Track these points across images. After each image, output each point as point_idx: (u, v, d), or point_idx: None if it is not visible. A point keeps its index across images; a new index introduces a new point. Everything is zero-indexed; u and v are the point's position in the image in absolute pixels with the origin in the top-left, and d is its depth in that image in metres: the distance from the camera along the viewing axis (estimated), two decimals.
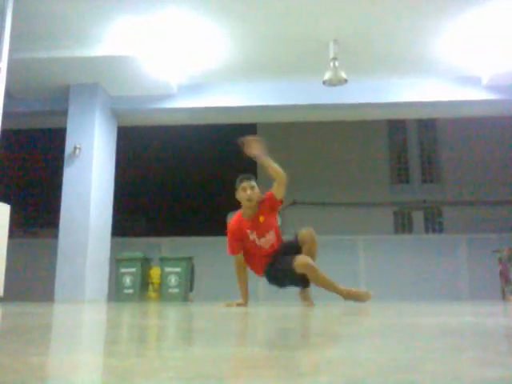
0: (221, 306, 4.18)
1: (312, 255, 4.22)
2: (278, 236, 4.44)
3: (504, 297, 7.41)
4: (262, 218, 4.34)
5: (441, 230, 17.80)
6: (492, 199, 17.01)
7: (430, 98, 7.66)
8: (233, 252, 4.40)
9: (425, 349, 1.15)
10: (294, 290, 4.58)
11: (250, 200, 4.30)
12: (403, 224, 18.24)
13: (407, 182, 18.80)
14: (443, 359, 0.95)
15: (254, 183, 4.38)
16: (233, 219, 4.47)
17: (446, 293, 8.66)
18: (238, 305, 4.31)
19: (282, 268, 4.22)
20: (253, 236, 4.32)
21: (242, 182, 4.37)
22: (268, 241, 4.35)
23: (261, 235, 4.33)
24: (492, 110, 8.10)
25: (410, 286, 8.78)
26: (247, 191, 4.31)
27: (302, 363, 0.90)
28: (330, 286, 4.16)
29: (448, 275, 8.96)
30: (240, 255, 4.39)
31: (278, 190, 4.30)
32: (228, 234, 4.42)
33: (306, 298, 4.41)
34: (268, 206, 4.35)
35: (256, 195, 4.33)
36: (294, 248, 4.29)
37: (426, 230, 18.02)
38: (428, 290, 8.71)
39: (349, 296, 4.20)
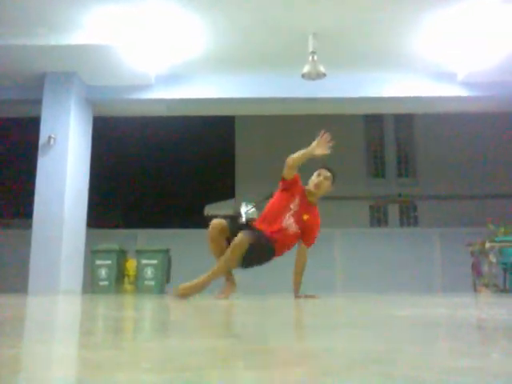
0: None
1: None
2: (294, 236, 4.27)
3: (475, 289, 7.57)
4: (306, 217, 4.24)
5: (415, 224, 18.06)
6: (465, 194, 17.33)
7: (406, 93, 7.73)
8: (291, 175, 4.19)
9: (399, 340, 1.16)
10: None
11: (317, 187, 4.24)
12: (379, 217, 18.46)
13: (383, 176, 19.00)
14: (417, 350, 0.96)
15: (330, 177, 4.29)
16: (297, 188, 4.32)
17: (419, 285, 8.81)
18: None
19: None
20: (294, 205, 4.20)
21: (321, 168, 4.32)
22: (290, 227, 4.19)
23: (294, 217, 4.18)
24: (467, 106, 8.23)
25: (385, 278, 8.90)
26: (321, 177, 4.25)
27: (279, 355, 0.91)
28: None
29: (422, 268, 9.11)
30: (293, 178, 4.20)
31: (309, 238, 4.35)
32: (288, 184, 4.26)
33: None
34: (313, 221, 4.32)
35: (324, 187, 4.25)
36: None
37: (401, 224, 18.26)
38: (402, 282, 8.84)
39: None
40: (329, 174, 4.34)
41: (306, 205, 4.29)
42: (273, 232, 4.12)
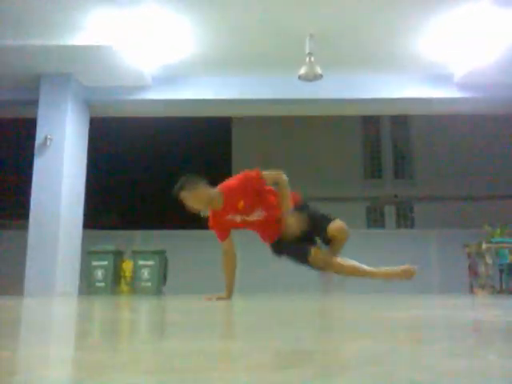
0: (203, 300, 4.01)
1: (337, 249, 4.17)
2: (272, 205, 4.02)
3: (472, 290, 7.58)
4: (241, 204, 3.92)
5: (412, 225, 18.10)
6: (462, 195, 17.37)
7: (403, 94, 7.75)
8: (222, 238, 4.08)
9: (396, 341, 1.16)
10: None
11: (196, 211, 3.96)
12: (375, 219, 18.49)
13: (380, 177, 19.03)
14: (413, 351, 0.97)
15: (184, 193, 3.84)
16: (209, 216, 4.12)
17: (416, 286, 8.81)
18: (219, 298, 4.01)
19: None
20: (239, 217, 3.97)
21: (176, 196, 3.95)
22: (258, 216, 3.99)
23: (249, 213, 3.97)
24: (463, 107, 8.25)
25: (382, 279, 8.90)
26: (187, 205, 3.89)
27: (276, 355, 0.90)
28: (356, 272, 4.14)
29: (419, 269, 9.11)
30: (228, 242, 4.07)
31: (269, 180, 3.99)
32: (213, 228, 4.09)
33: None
34: (251, 189, 3.93)
35: (197, 204, 3.86)
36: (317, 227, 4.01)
37: (398, 225, 18.30)
38: (399, 283, 8.83)
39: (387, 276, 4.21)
40: (180, 194, 3.88)
41: (232, 207, 3.95)
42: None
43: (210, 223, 4.10)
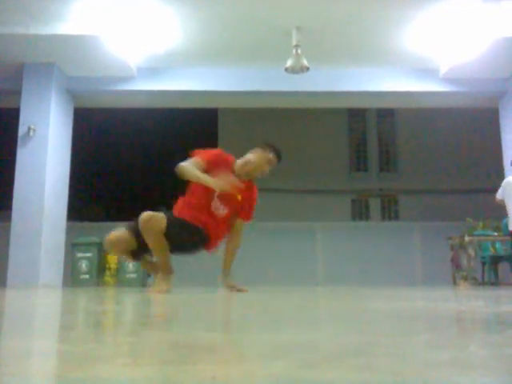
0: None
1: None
2: (227, 222, 3.84)
3: (455, 282, 7.68)
4: (240, 197, 3.73)
5: (396, 218, 18.24)
6: (446, 188, 17.54)
7: (389, 88, 7.78)
8: (201, 156, 3.76)
9: (378, 333, 1.17)
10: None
11: (245, 164, 3.84)
12: (360, 211, 18.59)
13: (365, 170, 19.12)
14: (396, 343, 0.97)
15: (272, 163, 3.82)
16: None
17: (400, 278, 8.90)
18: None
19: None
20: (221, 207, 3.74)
21: (270, 149, 3.87)
22: (221, 212, 3.76)
23: (222, 202, 3.72)
24: (448, 101, 8.31)
25: (366, 271, 8.97)
26: (251, 159, 3.81)
27: (258, 347, 0.91)
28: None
29: (403, 261, 9.20)
30: (202, 162, 3.72)
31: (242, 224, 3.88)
32: (205, 152, 3.81)
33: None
34: (248, 201, 3.83)
35: (252, 169, 3.78)
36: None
37: (383, 218, 18.43)
38: (383, 275, 8.92)
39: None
40: (276, 161, 3.87)
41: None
42: (201, 217, 3.70)
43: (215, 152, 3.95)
